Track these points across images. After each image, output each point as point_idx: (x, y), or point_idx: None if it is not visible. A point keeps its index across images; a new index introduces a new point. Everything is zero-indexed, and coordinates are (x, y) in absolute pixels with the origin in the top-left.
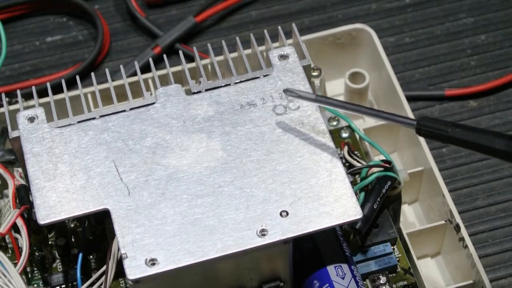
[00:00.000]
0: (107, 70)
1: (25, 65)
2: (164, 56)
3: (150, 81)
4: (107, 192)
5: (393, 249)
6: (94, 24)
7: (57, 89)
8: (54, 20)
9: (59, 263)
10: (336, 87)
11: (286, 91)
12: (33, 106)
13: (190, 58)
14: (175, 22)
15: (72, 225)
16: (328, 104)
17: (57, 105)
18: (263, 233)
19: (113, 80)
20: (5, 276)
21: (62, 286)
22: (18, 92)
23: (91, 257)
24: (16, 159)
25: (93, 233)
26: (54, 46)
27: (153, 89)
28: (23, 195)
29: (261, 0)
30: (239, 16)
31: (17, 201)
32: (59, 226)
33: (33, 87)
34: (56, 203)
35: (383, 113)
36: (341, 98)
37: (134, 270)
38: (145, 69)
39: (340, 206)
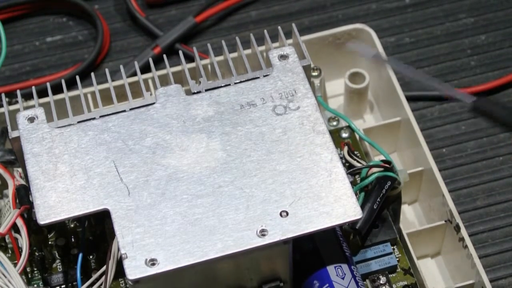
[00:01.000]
0: (107, 70)
1: (25, 65)
2: (164, 56)
3: (150, 81)
4: (107, 192)
5: (393, 249)
6: (94, 24)
7: (57, 89)
8: (54, 20)
9: (59, 263)
10: (336, 87)
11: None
12: (33, 106)
13: (190, 58)
14: (175, 22)
15: (72, 225)
16: (398, 70)
17: (57, 105)
18: (263, 233)
19: (113, 80)
20: (5, 276)
21: (62, 286)
22: (18, 92)
23: (91, 257)
24: (16, 159)
25: (93, 233)
26: (54, 46)
27: (153, 89)
28: (23, 195)
29: (261, 0)
30: (239, 16)
31: (17, 201)
32: (59, 226)
33: (33, 87)
34: (56, 203)
35: (443, 86)
36: (341, 98)
37: (134, 270)
38: (145, 69)
39: (340, 206)
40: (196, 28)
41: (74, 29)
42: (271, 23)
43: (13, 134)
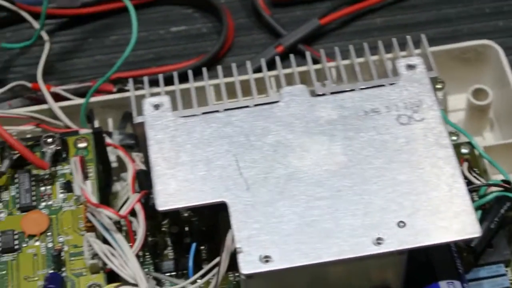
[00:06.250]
0: (233, 65)
1: (149, 52)
2: (291, 56)
3: (272, 79)
4: (226, 185)
5: (507, 271)
6: (219, 18)
7: (178, 79)
8: (180, 11)
9: (171, 250)
10: (456, 102)
11: None
12: (157, 94)
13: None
14: (299, 23)
15: (186, 214)
16: None
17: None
18: (379, 241)
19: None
20: (122, 258)
21: (173, 273)
22: (145, 78)
23: (202, 247)
24: (135, 144)
25: (206, 224)
26: (178, 36)
27: (275, 87)
28: (142, 180)
29: (387, 7)
30: (362, 22)
31: (136, 185)
32: (172, 214)
33: (160, 75)
34: (175, 191)
35: None
36: (460, 113)
37: (248, 265)
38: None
39: (458, 222)
40: (319, 30)
41: (198, 21)
42: (396, 31)
43: (137, 119)
